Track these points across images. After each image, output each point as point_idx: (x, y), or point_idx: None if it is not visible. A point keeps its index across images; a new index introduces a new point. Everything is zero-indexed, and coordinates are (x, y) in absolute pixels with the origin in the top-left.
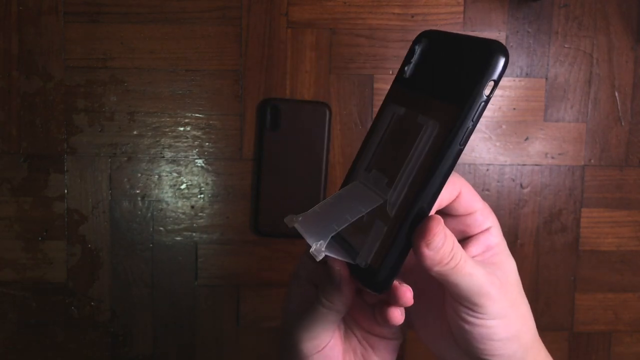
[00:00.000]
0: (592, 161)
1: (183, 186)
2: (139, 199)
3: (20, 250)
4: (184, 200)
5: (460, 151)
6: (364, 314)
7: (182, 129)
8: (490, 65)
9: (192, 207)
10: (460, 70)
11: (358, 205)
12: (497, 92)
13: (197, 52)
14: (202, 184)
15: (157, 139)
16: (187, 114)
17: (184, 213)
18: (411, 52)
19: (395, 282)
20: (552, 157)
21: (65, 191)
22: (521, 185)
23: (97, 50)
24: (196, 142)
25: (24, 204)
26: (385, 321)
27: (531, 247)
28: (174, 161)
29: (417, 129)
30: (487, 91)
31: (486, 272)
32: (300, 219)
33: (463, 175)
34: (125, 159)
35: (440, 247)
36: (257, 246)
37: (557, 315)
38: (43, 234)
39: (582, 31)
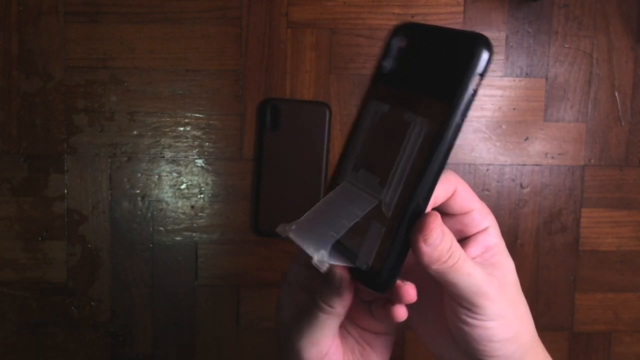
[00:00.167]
0: (592, 161)
1: (183, 186)
2: (139, 199)
3: (20, 250)
4: (184, 200)
5: (452, 147)
6: (359, 312)
7: (182, 129)
8: (476, 60)
9: (192, 207)
10: (444, 65)
11: (353, 208)
12: (497, 92)
13: (197, 52)
14: (202, 184)
15: (157, 139)
16: (187, 114)
17: (184, 213)
18: (388, 45)
19: (398, 281)
20: (552, 157)
21: (65, 191)
22: (521, 185)
23: (97, 50)
24: (196, 142)
25: (24, 204)
26: (389, 318)
27: (531, 247)
28: (174, 161)
29: (405, 126)
30: (474, 86)
31: (485, 273)
32: (293, 227)
33: (463, 175)
34: (125, 159)
35: (438, 243)
36: (257, 246)
37: (557, 315)
38: (43, 234)
39: (582, 31)
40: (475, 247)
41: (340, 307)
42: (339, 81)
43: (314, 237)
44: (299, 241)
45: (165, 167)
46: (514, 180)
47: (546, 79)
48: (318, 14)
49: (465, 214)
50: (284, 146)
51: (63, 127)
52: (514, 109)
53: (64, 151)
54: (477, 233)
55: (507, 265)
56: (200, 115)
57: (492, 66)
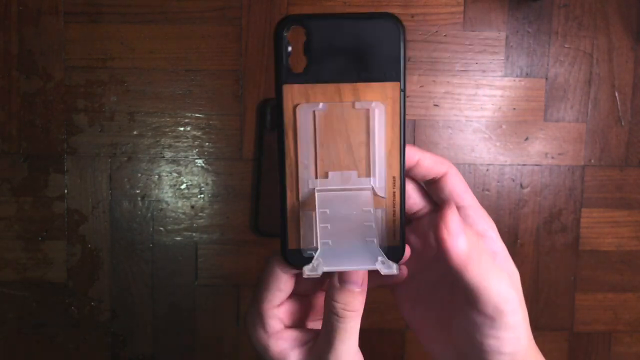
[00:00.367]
0: (592, 161)
1: (183, 186)
2: (139, 199)
3: (20, 250)
4: (184, 200)
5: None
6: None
7: (182, 129)
8: (403, 36)
9: (192, 207)
10: (369, 49)
11: (356, 208)
12: (497, 92)
13: (197, 52)
14: (202, 184)
15: (157, 139)
16: (187, 114)
17: (184, 213)
18: (286, 44)
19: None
20: (552, 157)
21: (65, 191)
22: (521, 185)
23: (97, 50)
24: (196, 142)
25: (24, 204)
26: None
27: (531, 247)
28: (174, 161)
29: (361, 115)
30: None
31: (510, 282)
32: (320, 260)
33: (463, 175)
34: (125, 159)
35: (470, 244)
36: (257, 246)
37: (557, 315)
38: (43, 234)
39: (582, 31)
40: None
41: (362, 304)
42: None
43: (354, 254)
44: (340, 268)
45: (165, 167)
46: (514, 180)
47: (546, 79)
48: None
49: (460, 207)
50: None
51: (63, 127)
52: (514, 109)
53: (64, 151)
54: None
55: (515, 275)
56: (200, 115)
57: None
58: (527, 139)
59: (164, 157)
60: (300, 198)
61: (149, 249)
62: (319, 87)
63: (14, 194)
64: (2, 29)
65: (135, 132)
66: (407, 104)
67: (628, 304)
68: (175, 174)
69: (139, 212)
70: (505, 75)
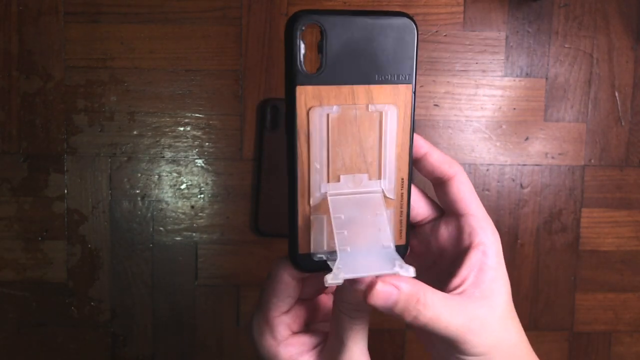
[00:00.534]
0: (592, 161)
1: (183, 186)
2: (139, 199)
3: (20, 250)
4: (184, 200)
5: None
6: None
7: (182, 129)
8: (413, 39)
9: (192, 207)
10: (381, 49)
11: (370, 213)
12: (497, 92)
13: (197, 52)
14: (202, 184)
15: (157, 139)
16: (187, 114)
17: (184, 213)
18: (297, 44)
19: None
20: (552, 157)
21: (65, 191)
22: (521, 185)
23: (97, 50)
24: (196, 142)
25: (24, 204)
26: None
27: (531, 247)
28: (174, 161)
29: (374, 117)
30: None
31: (465, 319)
32: (340, 267)
33: None
34: (125, 159)
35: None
36: (257, 246)
37: (557, 315)
38: (43, 234)
39: (582, 31)
40: (466, 269)
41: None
42: None
43: (372, 258)
44: (361, 275)
45: (165, 167)
46: (514, 180)
47: (546, 79)
48: None
49: (463, 215)
50: (284, 146)
51: (63, 127)
52: (514, 109)
53: (64, 151)
54: (473, 249)
55: (498, 296)
56: (200, 115)
57: (493, 66)
58: (527, 139)
59: (164, 157)
60: (311, 202)
61: (149, 249)
62: (333, 89)
63: (14, 194)
64: (2, 29)
65: (135, 132)
66: None
67: (628, 304)
68: (175, 174)
69: (139, 212)
70: (506, 75)
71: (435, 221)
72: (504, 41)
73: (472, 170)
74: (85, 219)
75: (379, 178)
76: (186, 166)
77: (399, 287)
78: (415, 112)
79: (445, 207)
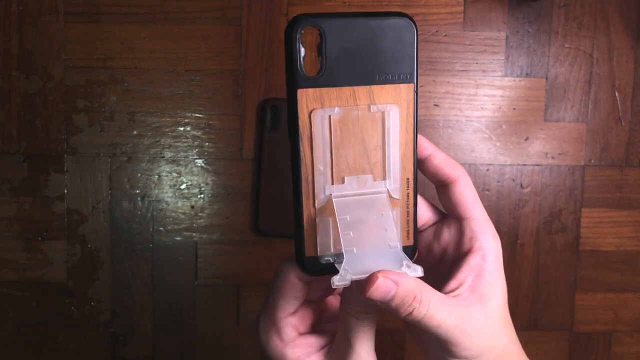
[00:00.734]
0: (592, 161)
1: (183, 186)
2: (139, 199)
3: (20, 250)
4: (184, 200)
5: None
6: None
7: (182, 129)
8: (413, 38)
9: (192, 207)
10: (381, 50)
11: (376, 213)
12: (497, 92)
13: (197, 52)
14: (202, 184)
15: (157, 139)
16: (187, 114)
17: (184, 213)
18: (297, 47)
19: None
20: (552, 157)
21: (65, 191)
22: (521, 185)
23: (97, 50)
24: (196, 142)
25: (24, 204)
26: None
27: (531, 247)
28: (174, 161)
29: (376, 118)
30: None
31: (457, 321)
32: (347, 268)
33: None
34: (125, 159)
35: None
36: (257, 246)
37: (557, 315)
38: (43, 234)
39: (582, 31)
40: (464, 272)
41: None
42: None
43: (379, 259)
44: (366, 275)
45: (165, 167)
46: (514, 180)
47: (546, 79)
48: None
49: (465, 219)
50: (284, 146)
51: (63, 127)
52: (514, 109)
53: (64, 151)
54: (473, 253)
55: (493, 301)
56: (200, 115)
57: (493, 66)
58: (527, 139)
59: (163, 157)
60: (316, 205)
61: (149, 249)
62: (334, 91)
63: (14, 194)
64: (2, 29)
65: (135, 132)
66: None
67: (628, 304)
68: (175, 174)
69: (139, 212)
70: (506, 75)
71: (437, 225)
72: (504, 41)
73: (472, 170)
74: (85, 219)
75: (384, 178)
76: (186, 166)
77: (398, 282)
78: (418, 110)
79: (448, 210)
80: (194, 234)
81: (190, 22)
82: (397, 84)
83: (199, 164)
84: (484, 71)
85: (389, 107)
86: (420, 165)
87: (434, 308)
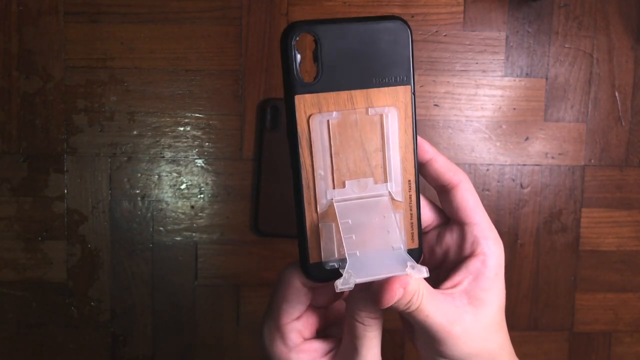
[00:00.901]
0: (592, 161)
1: (183, 186)
2: (139, 199)
3: (20, 250)
4: (184, 200)
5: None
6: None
7: (182, 129)
8: (407, 40)
9: (192, 207)
10: (376, 53)
11: (378, 216)
12: (497, 92)
13: (197, 52)
14: (202, 184)
15: (157, 139)
16: (187, 114)
17: (184, 213)
18: (292, 54)
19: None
20: (552, 157)
21: (65, 191)
22: (521, 185)
23: (97, 50)
24: (196, 142)
25: (24, 204)
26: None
27: (531, 247)
28: (174, 161)
29: (374, 121)
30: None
31: (448, 320)
32: (350, 272)
33: None
34: (125, 159)
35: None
36: (257, 246)
37: (557, 315)
38: (43, 234)
39: (582, 31)
40: (460, 275)
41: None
42: None
43: (383, 261)
44: (372, 278)
45: (165, 167)
46: (514, 180)
47: (546, 79)
48: (318, 14)
49: (467, 224)
50: (284, 146)
51: (63, 127)
52: (514, 109)
53: (64, 151)
54: (473, 258)
55: (488, 307)
56: (200, 115)
57: (493, 65)
58: (527, 139)
59: (163, 157)
60: (318, 210)
61: (149, 249)
62: (331, 96)
63: (14, 194)
64: (2, 29)
65: (135, 132)
66: None
67: (628, 304)
68: (175, 174)
69: (139, 212)
70: (506, 75)
71: (440, 228)
72: (504, 41)
73: (472, 170)
74: (85, 219)
75: (385, 181)
76: (186, 166)
77: (406, 286)
78: (416, 111)
79: (450, 215)
80: (194, 234)
81: (190, 22)
82: (394, 86)
83: (199, 164)
84: (484, 71)
85: (387, 109)
86: (420, 169)
87: (425, 300)
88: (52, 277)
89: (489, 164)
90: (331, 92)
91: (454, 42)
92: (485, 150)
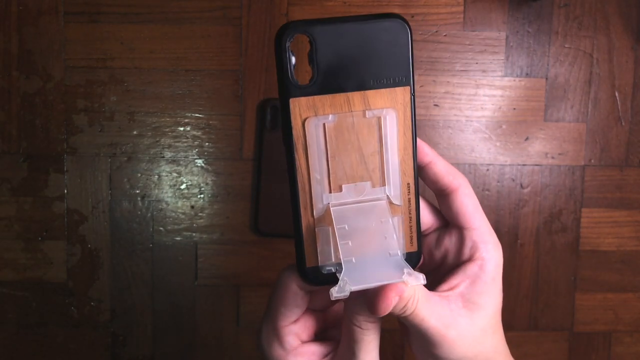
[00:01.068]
0: (592, 161)
1: (183, 186)
2: (139, 199)
3: (20, 250)
4: (184, 200)
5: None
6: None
7: (182, 129)
8: (410, 38)
9: (192, 207)
10: (374, 53)
11: (375, 221)
12: (497, 92)
13: (197, 52)
14: (202, 184)
15: (157, 139)
16: (187, 114)
17: (184, 213)
18: (286, 56)
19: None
20: (552, 157)
21: (65, 191)
22: (521, 185)
23: (97, 50)
24: (196, 142)
25: (24, 204)
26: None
27: (531, 247)
28: (174, 161)
29: (372, 123)
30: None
31: (443, 324)
32: (346, 279)
33: (464, 175)
34: (125, 159)
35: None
36: (257, 246)
37: (557, 315)
38: (43, 234)
39: (582, 31)
40: (457, 278)
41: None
42: None
43: (379, 268)
44: (368, 285)
45: (165, 167)
46: (514, 180)
47: (546, 79)
48: (318, 14)
49: (466, 228)
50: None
51: (63, 127)
52: (514, 109)
53: (64, 151)
54: (471, 262)
55: (484, 310)
56: (200, 115)
57: (493, 66)
58: (527, 139)
59: (163, 157)
60: (315, 214)
61: (148, 249)
62: (327, 98)
63: (14, 194)
64: (2, 29)
65: (135, 132)
66: None
67: (628, 304)
68: (175, 174)
69: (139, 212)
70: (506, 75)
71: (440, 231)
72: (504, 41)
73: (472, 170)
74: (85, 219)
75: (383, 185)
76: (186, 166)
77: (402, 294)
78: (416, 113)
79: (449, 219)
80: (194, 234)
81: (190, 22)
82: (393, 87)
83: (199, 164)
84: (484, 71)
85: (385, 111)
86: (420, 172)
87: (421, 304)
88: (52, 277)
89: (489, 164)
90: (327, 95)
91: (454, 42)
92: (485, 150)
